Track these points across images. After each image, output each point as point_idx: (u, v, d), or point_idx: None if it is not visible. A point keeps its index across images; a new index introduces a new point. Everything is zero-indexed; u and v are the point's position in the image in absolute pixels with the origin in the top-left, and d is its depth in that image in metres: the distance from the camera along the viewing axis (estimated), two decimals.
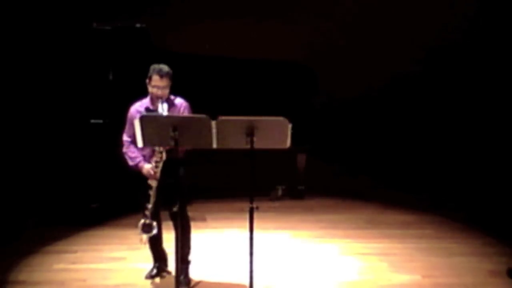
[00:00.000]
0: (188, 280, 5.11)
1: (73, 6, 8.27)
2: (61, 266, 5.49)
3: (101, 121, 6.74)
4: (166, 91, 4.92)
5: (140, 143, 4.56)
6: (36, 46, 8.16)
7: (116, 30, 7.09)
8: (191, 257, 5.20)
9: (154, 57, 6.93)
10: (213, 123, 4.39)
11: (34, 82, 8.12)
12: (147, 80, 4.93)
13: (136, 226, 5.96)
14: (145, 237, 4.92)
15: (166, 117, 4.71)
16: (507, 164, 7.87)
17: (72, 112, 7.27)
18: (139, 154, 4.99)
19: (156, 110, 4.86)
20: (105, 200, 6.87)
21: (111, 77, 6.94)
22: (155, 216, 4.93)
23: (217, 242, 6.05)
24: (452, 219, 6.68)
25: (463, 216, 6.75)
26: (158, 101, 4.87)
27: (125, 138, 5.04)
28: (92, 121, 6.76)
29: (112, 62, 6.97)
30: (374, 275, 5.33)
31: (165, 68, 4.91)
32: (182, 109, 5.00)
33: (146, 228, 4.87)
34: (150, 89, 4.94)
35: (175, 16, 8.69)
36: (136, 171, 4.98)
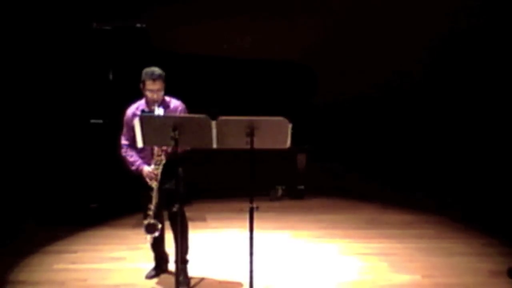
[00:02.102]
0: (188, 280, 5.11)
1: (73, 6, 8.27)
2: (61, 266, 5.49)
3: (101, 121, 6.74)
4: (161, 93, 4.92)
5: (140, 143, 4.56)
6: (36, 46, 8.16)
7: (116, 30, 7.09)
8: (188, 256, 5.21)
9: (154, 57, 6.96)
10: (213, 123, 4.39)
11: (34, 82, 8.12)
12: (141, 85, 4.93)
13: (135, 226, 6.00)
14: (149, 237, 4.94)
15: (166, 117, 4.71)
16: (507, 164, 7.87)
17: (72, 112, 7.27)
18: (138, 157, 5.00)
19: (152, 112, 4.86)
20: (105, 200, 6.87)
21: (111, 77, 6.94)
22: (158, 217, 4.94)
23: (217, 242, 6.05)
24: (452, 219, 6.68)
25: (463, 216, 6.75)
26: (153, 104, 4.87)
27: (123, 141, 5.04)
28: (92, 121, 6.76)
29: (112, 62, 6.97)
30: (374, 275, 5.33)
31: (157, 71, 4.90)
32: (178, 112, 4.99)
33: (150, 229, 4.89)
34: (144, 93, 4.94)
35: (175, 16, 8.69)
36: (136, 174, 5.00)
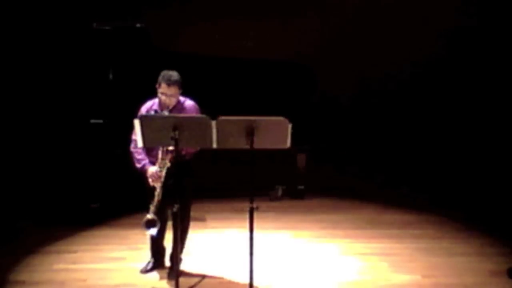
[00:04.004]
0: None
1: (73, 6, 8.27)
2: (61, 266, 5.49)
3: (101, 121, 6.74)
4: (174, 99, 4.92)
5: (140, 143, 4.57)
6: (36, 46, 8.16)
7: (116, 30, 7.09)
8: (184, 256, 5.24)
9: (154, 57, 6.97)
10: (213, 123, 4.40)
11: (34, 82, 8.13)
12: (157, 85, 4.92)
13: (135, 226, 6.00)
14: (148, 232, 4.95)
15: (166, 117, 4.71)
16: (507, 164, 7.87)
17: (72, 112, 7.27)
18: (145, 156, 5.01)
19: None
20: (105, 200, 6.87)
21: (111, 77, 6.94)
22: (161, 213, 4.96)
23: (217, 242, 6.05)
24: (452, 219, 6.68)
25: (463, 216, 6.75)
26: (166, 108, 4.87)
27: (134, 137, 5.02)
28: (92, 121, 6.76)
29: (112, 62, 6.97)
30: (374, 275, 5.33)
31: (174, 76, 4.88)
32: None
33: (149, 224, 4.90)
34: (158, 94, 4.94)
35: (175, 16, 8.69)
36: (140, 172, 5.02)
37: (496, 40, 8.72)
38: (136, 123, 4.50)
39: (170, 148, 4.78)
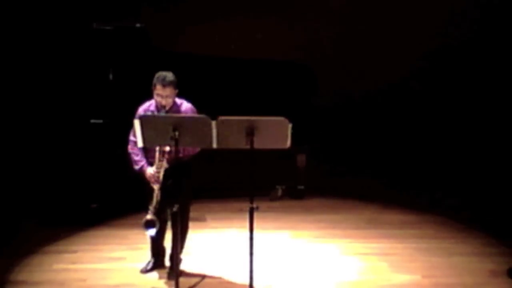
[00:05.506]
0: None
1: (73, 6, 8.27)
2: (61, 266, 5.49)
3: (101, 121, 6.74)
4: (170, 100, 4.91)
5: (140, 143, 4.57)
6: (36, 46, 8.16)
7: (116, 30, 7.09)
8: (183, 256, 5.25)
9: (154, 57, 6.97)
10: (213, 123, 4.40)
11: (34, 82, 8.13)
12: (152, 87, 4.92)
13: (135, 226, 6.00)
14: (147, 233, 4.95)
15: (166, 117, 4.72)
16: (507, 164, 7.87)
17: (72, 112, 7.27)
18: (143, 157, 5.01)
19: None
20: (105, 200, 6.87)
21: (111, 77, 6.94)
22: (161, 214, 4.96)
23: (217, 242, 6.05)
24: (452, 219, 6.68)
25: (463, 216, 6.75)
26: (162, 109, 4.87)
27: (132, 137, 5.02)
28: (92, 121, 6.76)
29: (112, 62, 6.97)
30: (374, 275, 5.33)
31: (168, 77, 4.87)
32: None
33: (149, 225, 4.91)
34: (154, 96, 4.94)
35: (175, 16, 8.69)
36: (139, 174, 5.02)
37: (496, 39, 8.72)
38: (136, 123, 4.51)
39: (167, 149, 4.79)
